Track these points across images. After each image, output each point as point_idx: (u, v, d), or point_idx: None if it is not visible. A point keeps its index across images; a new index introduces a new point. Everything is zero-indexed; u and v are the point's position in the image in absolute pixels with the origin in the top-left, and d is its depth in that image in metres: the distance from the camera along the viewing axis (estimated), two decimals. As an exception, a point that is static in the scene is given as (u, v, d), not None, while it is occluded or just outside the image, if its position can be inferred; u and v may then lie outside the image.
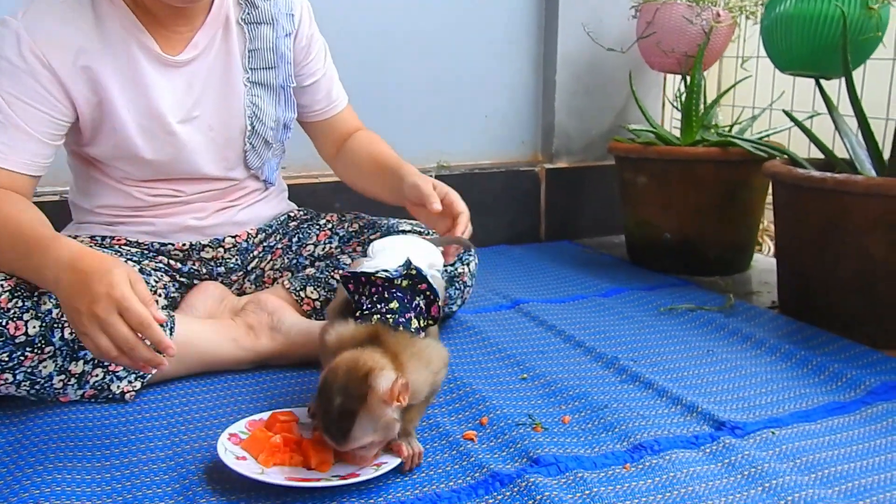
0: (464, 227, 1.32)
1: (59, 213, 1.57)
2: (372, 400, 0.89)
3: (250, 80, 1.35)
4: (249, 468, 0.93)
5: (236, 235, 1.44)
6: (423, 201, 1.30)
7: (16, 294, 1.09)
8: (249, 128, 1.36)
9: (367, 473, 0.93)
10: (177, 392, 1.22)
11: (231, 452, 0.96)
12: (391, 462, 0.96)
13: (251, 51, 1.34)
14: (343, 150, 1.52)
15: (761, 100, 2.10)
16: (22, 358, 1.10)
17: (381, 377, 0.90)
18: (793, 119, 1.65)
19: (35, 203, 1.21)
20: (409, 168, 1.40)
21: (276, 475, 0.93)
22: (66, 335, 1.13)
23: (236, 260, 1.45)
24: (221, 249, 1.42)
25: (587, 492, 0.95)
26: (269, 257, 1.47)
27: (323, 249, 1.45)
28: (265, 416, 1.05)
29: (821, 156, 1.68)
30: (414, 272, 1.04)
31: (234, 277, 1.46)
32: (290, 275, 1.44)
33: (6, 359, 1.09)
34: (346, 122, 1.53)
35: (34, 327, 1.10)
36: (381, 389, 0.89)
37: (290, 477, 0.93)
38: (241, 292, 1.46)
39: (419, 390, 0.96)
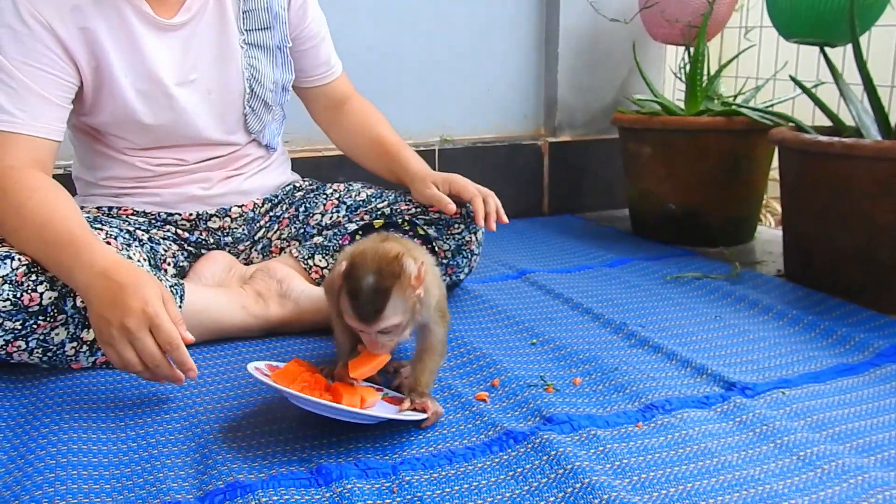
0: (482, 213, 1.34)
1: (65, 186, 1.57)
2: (404, 279, 0.93)
3: (246, 42, 1.34)
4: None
5: (242, 205, 1.43)
6: (439, 207, 1.36)
7: (32, 269, 1.09)
8: (248, 90, 1.36)
9: (395, 415, 0.96)
10: (187, 358, 1.22)
11: (264, 377, 0.96)
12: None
13: (245, 12, 1.34)
14: (340, 120, 1.53)
15: (764, 71, 2.10)
16: (34, 326, 1.10)
17: (408, 260, 0.94)
18: (799, 85, 1.65)
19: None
20: (413, 168, 1.43)
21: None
22: (79, 303, 1.12)
23: (243, 230, 1.44)
24: (228, 219, 1.42)
25: (601, 448, 0.95)
26: (275, 227, 1.47)
27: (330, 218, 1.45)
28: (280, 364, 1.05)
29: (824, 125, 1.67)
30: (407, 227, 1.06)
31: (241, 247, 1.46)
32: (297, 244, 1.44)
33: (19, 327, 1.09)
34: (341, 88, 1.53)
35: (49, 298, 1.10)
36: (409, 271, 0.93)
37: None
38: (248, 262, 1.46)
39: (431, 284, 0.99)
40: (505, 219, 1.37)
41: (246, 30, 1.34)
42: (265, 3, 1.35)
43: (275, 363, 1.05)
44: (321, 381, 1.00)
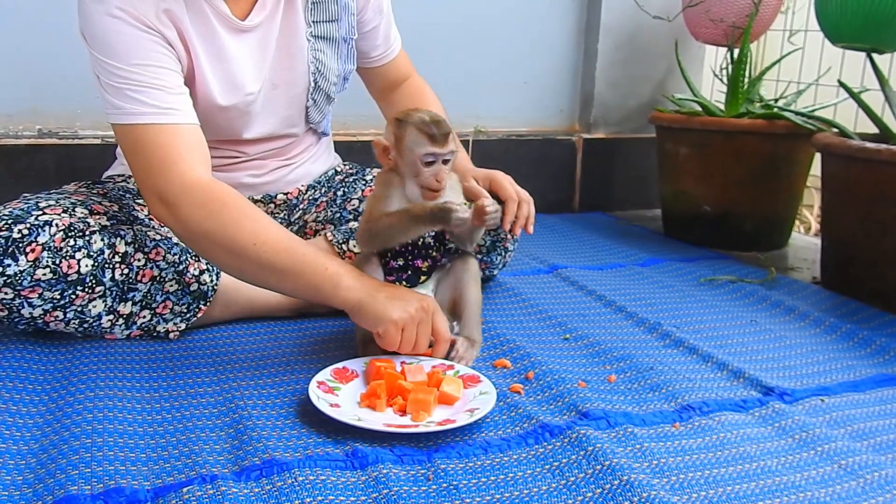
0: (510, 217, 1.29)
1: (100, 155, 1.57)
2: None
3: (313, 35, 1.30)
4: (345, 414, 0.94)
5: (288, 192, 1.43)
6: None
7: (69, 234, 1.09)
8: (313, 84, 1.33)
9: (463, 420, 0.94)
10: (220, 334, 1.22)
11: (324, 400, 0.96)
12: (484, 408, 0.96)
13: (314, 3, 1.30)
14: (394, 100, 1.50)
15: (805, 76, 2.07)
16: (73, 297, 1.10)
17: None
18: (847, 90, 1.62)
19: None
20: (455, 163, 1.38)
21: (373, 421, 0.93)
22: (117, 276, 1.12)
23: (284, 215, 1.44)
24: (273, 205, 1.41)
25: (638, 446, 0.94)
26: (312, 209, 1.46)
27: (367, 204, 1.44)
28: (349, 364, 1.06)
29: (868, 131, 1.65)
30: None
31: (277, 229, 1.45)
32: (332, 227, 1.43)
33: (58, 297, 1.09)
34: (399, 69, 1.50)
35: (86, 266, 1.10)
36: None
37: (387, 423, 0.93)
38: (282, 243, 1.45)
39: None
40: (531, 229, 1.32)
41: (313, 21, 1.30)
42: None
43: (341, 364, 1.06)
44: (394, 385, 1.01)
